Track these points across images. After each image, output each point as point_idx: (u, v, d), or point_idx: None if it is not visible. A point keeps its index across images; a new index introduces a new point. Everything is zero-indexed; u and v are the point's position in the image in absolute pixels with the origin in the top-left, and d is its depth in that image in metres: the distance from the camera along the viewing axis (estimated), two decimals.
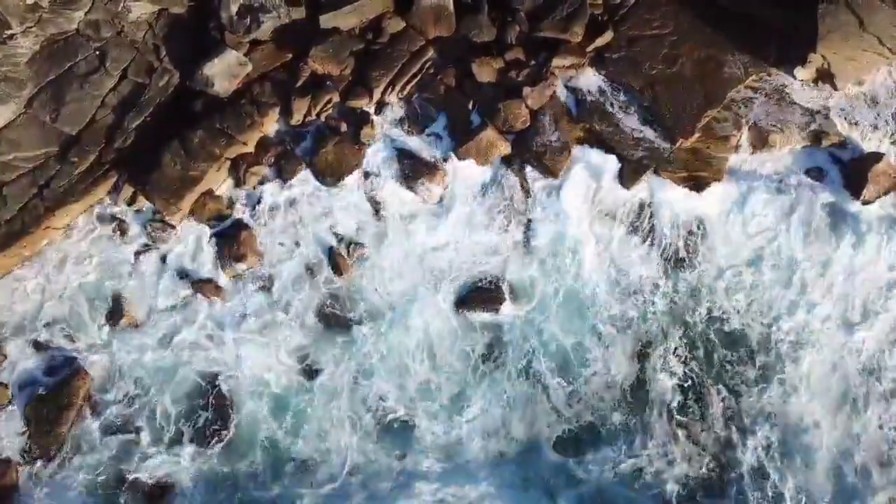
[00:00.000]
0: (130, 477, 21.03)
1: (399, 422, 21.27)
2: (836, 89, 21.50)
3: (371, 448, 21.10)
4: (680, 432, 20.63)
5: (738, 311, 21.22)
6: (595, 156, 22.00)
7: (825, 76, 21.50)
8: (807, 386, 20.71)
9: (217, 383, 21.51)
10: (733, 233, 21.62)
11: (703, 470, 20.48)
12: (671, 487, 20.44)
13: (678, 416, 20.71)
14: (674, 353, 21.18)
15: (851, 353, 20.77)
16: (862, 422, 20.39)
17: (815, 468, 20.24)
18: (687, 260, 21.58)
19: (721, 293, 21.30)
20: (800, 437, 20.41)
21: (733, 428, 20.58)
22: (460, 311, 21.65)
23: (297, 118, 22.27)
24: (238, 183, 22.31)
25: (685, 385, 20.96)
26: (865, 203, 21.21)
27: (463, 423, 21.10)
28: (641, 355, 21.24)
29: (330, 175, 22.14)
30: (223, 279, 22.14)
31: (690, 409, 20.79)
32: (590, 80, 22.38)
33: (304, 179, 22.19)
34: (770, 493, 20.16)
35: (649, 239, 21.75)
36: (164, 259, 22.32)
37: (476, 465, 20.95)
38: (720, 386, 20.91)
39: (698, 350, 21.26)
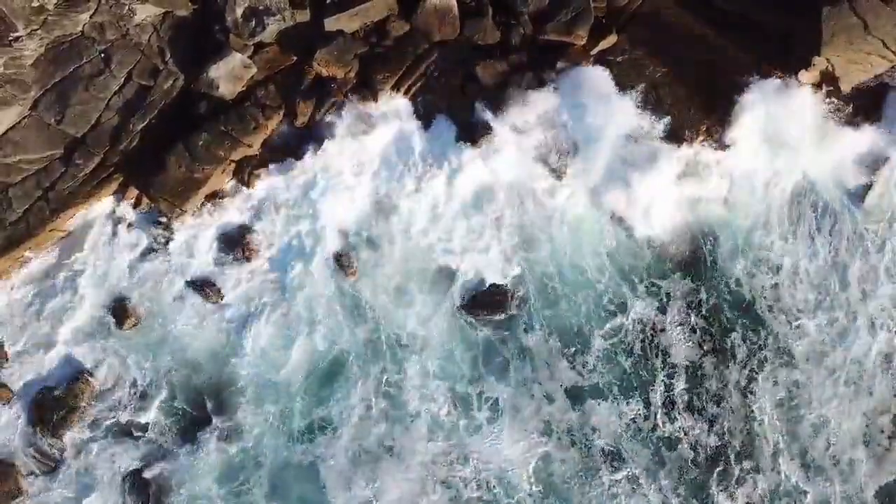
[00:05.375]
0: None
1: None
2: (840, 92, 21.57)
3: None
4: None
5: None
6: None
7: (829, 79, 21.54)
8: None
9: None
10: None
11: None
12: None
13: None
14: None
15: None
16: None
17: None
18: None
19: None
20: None
21: None
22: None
23: (301, 120, 22.30)
24: (243, 185, 22.30)
25: None
26: None
27: None
28: None
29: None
30: (226, 281, 22.15)
31: None
32: None
33: (308, 181, 22.22)
34: None
35: None
36: (167, 261, 22.25)
37: None
38: None
39: None
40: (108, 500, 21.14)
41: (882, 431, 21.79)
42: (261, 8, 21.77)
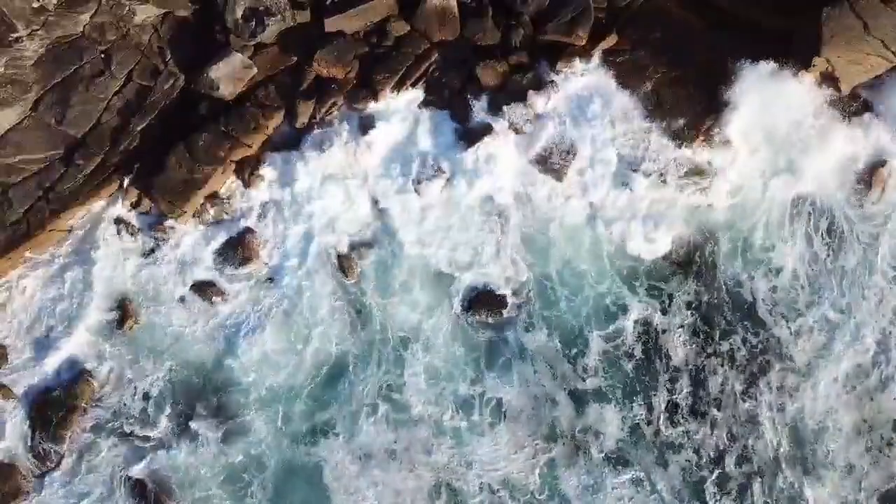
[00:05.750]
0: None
1: None
2: (840, 92, 21.59)
3: None
4: None
5: None
6: None
7: (829, 79, 21.54)
8: None
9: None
10: None
11: None
12: None
13: None
14: None
15: None
16: None
17: None
18: None
19: None
20: None
21: None
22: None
23: (301, 121, 22.30)
24: (243, 185, 22.30)
25: None
26: None
27: None
28: None
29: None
30: (226, 282, 22.15)
31: None
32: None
33: (309, 181, 22.19)
34: None
35: None
36: (168, 262, 22.23)
37: None
38: None
39: None
40: (108, 501, 21.14)
41: (882, 437, 21.76)
42: (261, 8, 21.77)
